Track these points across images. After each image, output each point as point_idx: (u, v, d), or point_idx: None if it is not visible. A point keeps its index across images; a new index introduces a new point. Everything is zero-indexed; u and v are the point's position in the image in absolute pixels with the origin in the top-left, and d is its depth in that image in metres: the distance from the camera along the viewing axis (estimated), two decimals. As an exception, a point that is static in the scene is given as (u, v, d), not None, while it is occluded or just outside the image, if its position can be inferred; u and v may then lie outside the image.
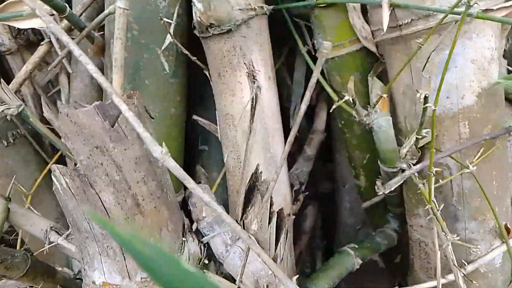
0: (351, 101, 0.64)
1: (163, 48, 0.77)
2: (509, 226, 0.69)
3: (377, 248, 0.85)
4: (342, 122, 0.88)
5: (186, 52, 0.76)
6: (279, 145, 0.81)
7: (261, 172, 0.55)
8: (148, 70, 0.78)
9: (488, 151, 0.66)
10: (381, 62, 0.78)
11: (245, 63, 0.74)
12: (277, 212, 0.57)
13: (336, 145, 1.15)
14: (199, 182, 1.01)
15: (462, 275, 0.65)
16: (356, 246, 0.81)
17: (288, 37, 1.03)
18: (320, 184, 1.26)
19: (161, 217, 0.47)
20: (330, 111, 0.78)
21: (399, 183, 0.62)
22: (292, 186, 0.91)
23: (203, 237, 0.53)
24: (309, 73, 1.07)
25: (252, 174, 0.55)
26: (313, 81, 0.54)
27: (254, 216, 0.53)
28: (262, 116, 0.77)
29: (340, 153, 1.15)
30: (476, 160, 0.66)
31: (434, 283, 0.72)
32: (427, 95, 0.56)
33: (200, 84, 0.89)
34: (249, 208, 0.54)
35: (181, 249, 0.49)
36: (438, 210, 0.64)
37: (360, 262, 0.78)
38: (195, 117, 0.87)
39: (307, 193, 0.92)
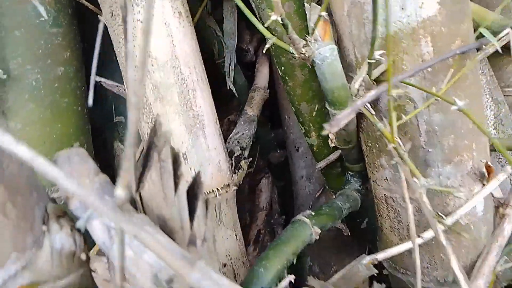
0: (281, 23, 0.48)
1: (32, -15, 0.58)
2: (490, 165, 0.56)
3: (339, 214, 0.71)
4: (282, 68, 0.72)
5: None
6: (204, 101, 0.64)
7: (160, 124, 0.39)
8: (15, 17, 0.58)
9: (459, 73, 0.53)
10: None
11: (142, -7, 0.56)
12: (193, 178, 0.40)
13: (284, 105, 1.00)
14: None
15: (443, 230, 0.52)
16: (313, 213, 0.66)
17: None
18: (271, 154, 1.11)
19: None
20: (264, 50, 0.62)
21: (349, 117, 0.47)
22: (232, 153, 0.75)
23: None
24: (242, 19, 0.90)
25: (151, 130, 0.39)
26: None
27: (152, 184, 0.37)
28: (176, 64, 0.60)
29: (290, 113, 1.00)
30: (446, 86, 0.52)
31: (409, 244, 0.58)
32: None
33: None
34: (146, 174, 0.37)
35: (37, 244, 0.32)
36: (405, 152, 0.50)
37: (319, 231, 0.64)
38: (97, 78, 0.69)
39: (250, 159, 0.76)
